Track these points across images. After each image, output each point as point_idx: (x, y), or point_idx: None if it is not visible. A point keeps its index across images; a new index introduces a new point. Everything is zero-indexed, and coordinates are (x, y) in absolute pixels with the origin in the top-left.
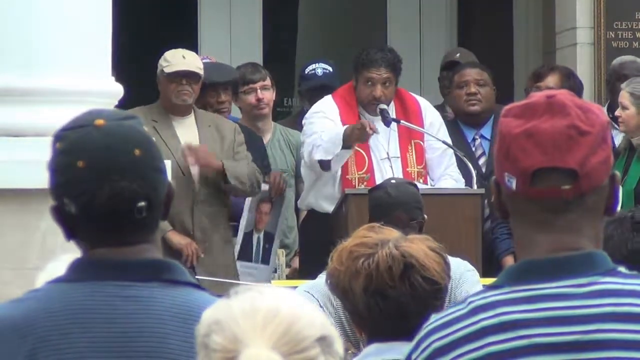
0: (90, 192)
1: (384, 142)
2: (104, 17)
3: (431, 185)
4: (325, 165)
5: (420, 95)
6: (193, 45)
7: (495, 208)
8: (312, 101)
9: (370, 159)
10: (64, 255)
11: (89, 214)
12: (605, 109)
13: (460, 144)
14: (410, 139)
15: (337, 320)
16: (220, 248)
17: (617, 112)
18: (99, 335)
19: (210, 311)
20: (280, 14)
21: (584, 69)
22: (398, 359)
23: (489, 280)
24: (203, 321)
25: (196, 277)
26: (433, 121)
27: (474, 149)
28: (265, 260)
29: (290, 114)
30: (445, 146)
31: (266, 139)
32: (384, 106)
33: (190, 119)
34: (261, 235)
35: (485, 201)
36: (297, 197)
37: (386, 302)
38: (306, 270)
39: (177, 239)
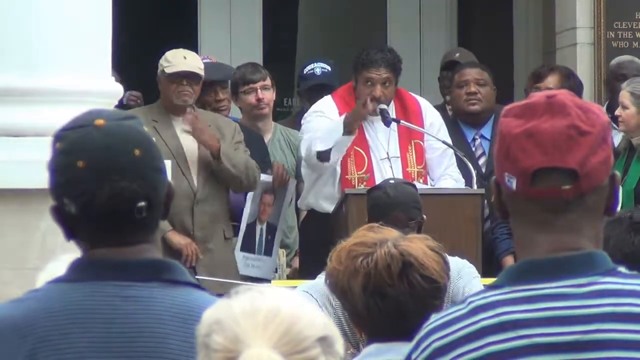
0: (90, 192)
1: (384, 142)
2: (104, 17)
3: (431, 185)
4: (324, 156)
5: (420, 95)
6: (193, 45)
7: (495, 208)
8: (312, 101)
9: (370, 159)
10: (64, 255)
11: (89, 214)
12: (604, 109)
13: (460, 144)
14: (410, 139)
15: (336, 321)
16: (220, 248)
17: (617, 112)
18: (99, 335)
19: (211, 311)
20: (280, 14)
21: (584, 69)
22: None
23: (489, 280)
24: (204, 321)
25: (196, 277)
26: (433, 121)
27: (474, 149)
28: (268, 252)
29: (290, 114)
30: (445, 146)
31: (266, 139)
32: (383, 106)
33: None
34: (264, 227)
35: (485, 201)
36: (298, 197)
37: (385, 301)
38: (306, 270)
39: (177, 239)
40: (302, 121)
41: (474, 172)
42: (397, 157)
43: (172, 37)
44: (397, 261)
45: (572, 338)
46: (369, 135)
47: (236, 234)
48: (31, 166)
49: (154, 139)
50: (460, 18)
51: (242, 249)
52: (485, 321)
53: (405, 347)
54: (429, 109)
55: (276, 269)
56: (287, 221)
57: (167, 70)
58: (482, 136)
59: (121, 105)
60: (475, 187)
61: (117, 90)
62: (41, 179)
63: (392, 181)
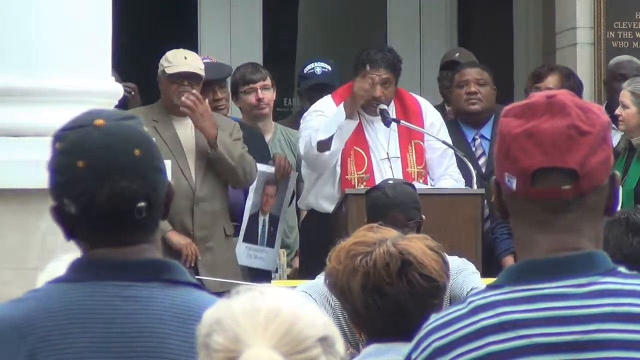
0: (90, 192)
1: (384, 143)
2: (104, 17)
3: (431, 185)
4: (324, 145)
5: (420, 95)
6: (193, 45)
7: (495, 208)
8: (312, 100)
9: (370, 159)
10: (64, 255)
11: (89, 214)
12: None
13: (460, 144)
14: (410, 139)
15: (335, 321)
16: (221, 246)
17: (618, 111)
18: (99, 335)
19: (211, 311)
20: (280, 14)
21: (584, 69)
22: None
23: (489, 280)
24: (204, 321)
25: (198, 276)
26: (433, 121)
27: (474, 149)
28: (271, 243)
29: (290, 114)
30: (446, 146)
31: (267, 138)
32: (383, 106)
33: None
34: (266, 218)
35: (485, 201)
36: (298, 197)
37: (384, 299)
38: (306, 270)
39: (177, 238)
40: (302, 120)
41: (474, 172)
42: (397, 157)
43: (172, 37)
44: (396, 260)
45: (572, 338)
46: (368, 135)
47: (237, 231)
48: (31, 166)
49: (154, 139)
50: (460, 18)
51: (245, 239)
52: (485, 321)
53: (405, 348)
54: (429, 109)
55: (277, 268)
56: (288, 214)
57: (168, 71)
58: (482, 136)
59: (121, 105)
60: (475, 187)
61: (117, 90)
62: (41, 179)
63: (391, 181)
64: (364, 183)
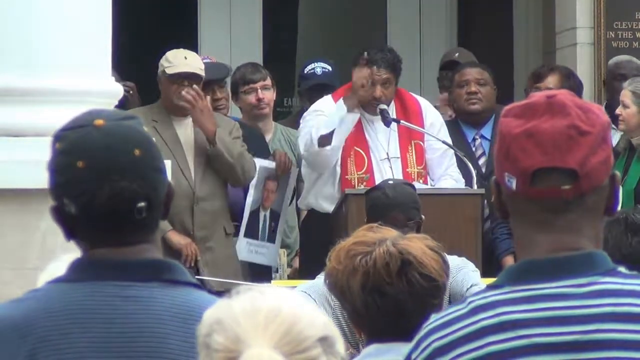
0: (90, 192)
1: (384, 143)
2: (104, 17)
3: (431, 185)
4: (325, 140)
5: (420, 95)
6: (193, 45)
7: (495, 208)
8: (312, 100)
9: (370, 159)
10: (65, 255)
11: (89, 214)
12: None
13: (460, 144)
14: (411, 140)
15: (334, 321)
16: (222, 245)
17: (618, 111)
18: (99, 335)
19: (212, 311)
20: (280, 14)
21: (584, 69)
22: None
23: (489, 280)
24: (204, 321)
25: (199, 276)
26: (434, 121)
27: (474, 149)
28: (272, 239)
29: (290, 114)
30: (446, 147)
31: (267, 138)
32: (383, 106)
33: (191, 118)
34: (267, 214)
35: (485, 201)
36: (298, 197)
37: (384, 299)
38: (306, 270)
39: (177, 238)
40: (301, 120)
41: (474, 172)
42: (397, 157)
43: (172, 37)
44: (395, 259)
45: (572, 338)
46: (368, 135)
47: (237, 231)
48: (31, 166)
49: (153, 139)
50: (460, 18)
51: (246, 235)
52: (485, 321)
53: (404, 348)
54: (430, 109)
55: (277, 268)
56: (289, 211)
57: (168, 71)
58: (482, 136)
59: (121, 105)
60: (475, 187)
61: (117, 90)
62: (41, 179)
63: (390, 182)
64: (364, 183)
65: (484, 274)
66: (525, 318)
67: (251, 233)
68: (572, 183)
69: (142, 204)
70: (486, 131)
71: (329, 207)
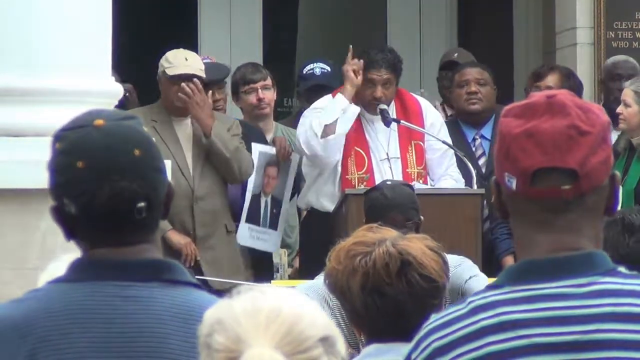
0: (90, 192)
1: (384, 143)
2: (104, 17)
3: (431, 185)
4: (328, 130)
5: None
6: (193, 45)
7: (495, 208)
8: (311, 101)
9: (370, 159)
10: (65, 255)
11: (88, 214)
12: None
13: (460, 144)
14: (411, 140)
15: (334, 321)
16: (223, 243)
17: (619, 109)
18: (99, 335)
19: (212, 311)
20: (280, 14)
21: (584, 69)
22: None
23: (489, 280)
24: (205, 321)
25: (201, 276)
26: (434, 122)
27: (474, 149)
28: (273, 225)
29: (290, 114)
30: (446, 147)
31: (268, 138)
32: (384, 106)
33: (190, 119)
34: (269, 199)
35: (485, 201)
36: (298, 195)
37: (383, 300)
38: (306, 269)
39: (177, 238)
40: (301, 117)
41: (474, 172)
42: (397, 157)
43: (172, 37)
44: (395, 260)
45: (572, 338)
46: (369, 135)
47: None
48: (31, 166)
49: (153, 139)
50: (460, 18)
51: (247, 220)
52: (485, 321)
53: (404, 348)
54: (430, 109)
55: (277, 268)
56: (290, 204)
57: (169, 72)
58: (482, 136)
59: (121, 105)
60: (475, 187)
61: (117, 90)
62: (41, 179)
63: (389, 182)
64: (364, 183)
65: (484, 274)
66: (525, 318)
67: (252, 219)
68: (572, 183)
69: (142, 204)
70: (486, 131)
71: (329, 205)
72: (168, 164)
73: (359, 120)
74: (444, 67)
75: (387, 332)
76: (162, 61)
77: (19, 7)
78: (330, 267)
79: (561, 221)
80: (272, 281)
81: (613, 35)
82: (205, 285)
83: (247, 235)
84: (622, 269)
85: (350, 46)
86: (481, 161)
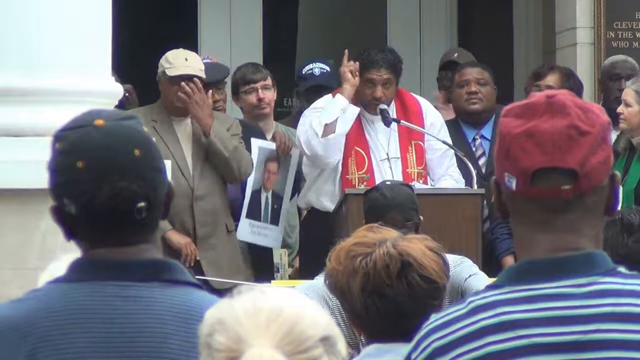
0: (90, 193)
1: (384, 143)
2: (104, 17)
3: (431, 185)
4: (328, 129)
5: (420, 95)
6: (193, 45)
7: (495, 208)
8: (310, 101)
9: (370, 159)
10: (65, 255)
11: (88, 214)
12: None
13: (460, 144)
14: (411, 140)
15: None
16: (223, 242)
17: (620, 109)
18: (99, 335)
19: (213, 311)
20: (280, 14)
21: (584, 69)
22: None
23: (489, 280)
24: (206, 321)
25: (201, 276)
26: (434, 122)
27: (474, 149)
28: (274, 221)
29: (290, 114)
30: (446, 147)
31: (268, 138)
32: (384, 106)
33: (190, 119)
34: (269, 195)
35: (485, 201)
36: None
37: (383, 301)
38: (306, 269)
39: (177, 238)
40: (301, 117)
41: (474, 172)
42: (397, 157)
43: (172, 37)
44: (395, 261)
45: (572, 338)
46: (369, 135)
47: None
48: (31, 166)
49: (153, 139)
50: (460, 18)
51: (248, 216)
52: (485, 321)
53: (404, 348)
54: (430, 109)
55: (278, 268)
56: (291, 205)
57: (169, 73)
58: (482, 136)
59: (120, 106)
60: (475, 187)
61: (117, 90)
62: (41, 179)
63: (388, 182)
64: (365, 183)
65: (484, 274)
66: (525, 318)
67: (253, 214)
68: (572, 183)
69: (142, 204)
70: (486, 131)
71: (329, 204)
72: (168, 163)
73: (359, 120)
74: (444, 67)
75: (387, 333)
76: (162, 61)
77: (19, 7)
78: (331, 267)
79: (561, 221)
80: (272, 281)
81: (613, 35)
82: (206, 285)
83: (248, 230)
84: (622, 269)
85: (346, 50)
86: (481, 161)
